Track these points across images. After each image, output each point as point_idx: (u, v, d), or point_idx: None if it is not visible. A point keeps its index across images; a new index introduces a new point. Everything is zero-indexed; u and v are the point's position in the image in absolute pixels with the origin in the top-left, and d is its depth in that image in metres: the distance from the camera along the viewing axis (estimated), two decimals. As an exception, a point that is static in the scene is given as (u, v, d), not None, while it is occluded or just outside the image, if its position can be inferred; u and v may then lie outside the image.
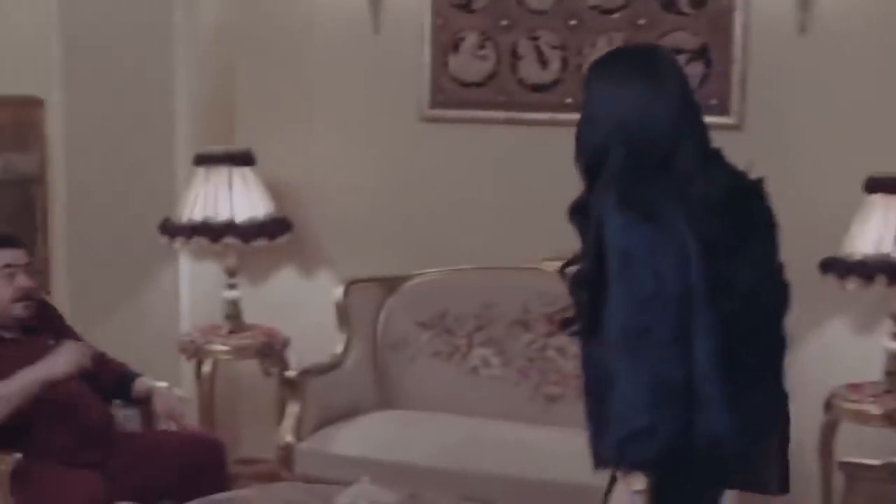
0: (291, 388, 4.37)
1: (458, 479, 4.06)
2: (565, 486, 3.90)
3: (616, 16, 4.53)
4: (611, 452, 2.47)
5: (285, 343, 4.77)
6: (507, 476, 4.06)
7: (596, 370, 2.58)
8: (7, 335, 3.76)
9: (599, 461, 2.56)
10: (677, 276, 2.43)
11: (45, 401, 3.58)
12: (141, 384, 3.93)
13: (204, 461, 3.76)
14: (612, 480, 2.56)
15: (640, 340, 2.43)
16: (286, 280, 5.10)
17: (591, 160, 2.59)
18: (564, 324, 2.79)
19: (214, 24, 5.07)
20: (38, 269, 4.95)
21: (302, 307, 4.98)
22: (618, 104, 2.54)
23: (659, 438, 2.40)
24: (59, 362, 3.60)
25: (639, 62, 2.62)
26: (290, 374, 4.39)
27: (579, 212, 2.65)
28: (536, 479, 4.04)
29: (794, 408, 2.68)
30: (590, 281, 2.56)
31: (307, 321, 4.89)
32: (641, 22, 4.49)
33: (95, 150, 4.83)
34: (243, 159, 4.68)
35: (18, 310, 3.74)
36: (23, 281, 3.73)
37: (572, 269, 2.72)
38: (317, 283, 5.05)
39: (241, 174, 4.67)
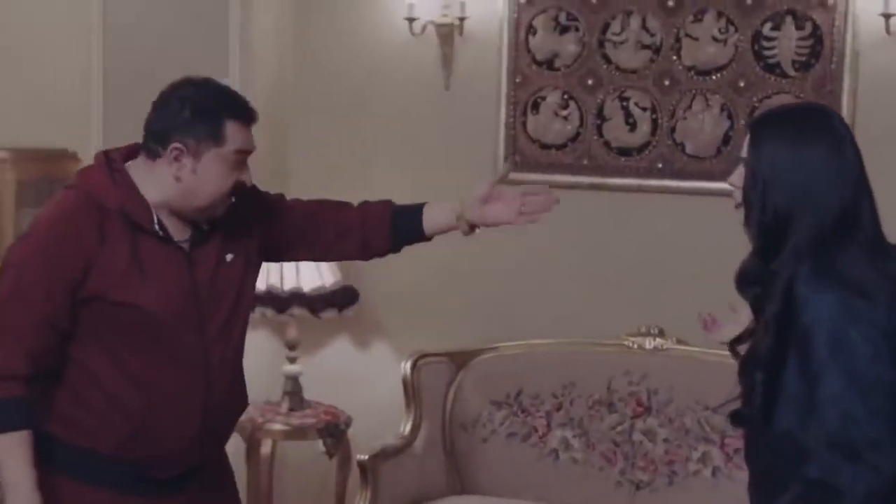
0: (362, 472, 4.01)
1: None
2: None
3: (714, 77, 4.26)
4: None
5: (348, 422, 4.42)
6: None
7: (771, 462, 2.33)
8: (165, 229, 2.61)
9: None
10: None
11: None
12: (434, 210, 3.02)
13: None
14: None
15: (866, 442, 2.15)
16: (345, 353, 4.75)
17: (771, 225, 2.32)
18: (736, 415, 2.48)
19: (272, 81, 4.77)
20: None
21: (362, 383, 4.63)
22: (801, 166, 2.30)
23: None
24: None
25: (815, 121, 2.38)
26: (362, 457, 4.03)
27: (753, 282, 2.38)
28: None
29: None
30: (767, 361, 2.28)
31: (367, 398, 4.55)
32: (741, 84, 4.23)
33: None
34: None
35: (224, 206, 2.66)
36: (248, 175, 2.66)
37: (743, 346, 2.45)
38: (378, 356, 4.71)
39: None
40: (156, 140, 2.58)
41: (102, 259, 2.50)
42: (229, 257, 2.67)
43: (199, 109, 2.55)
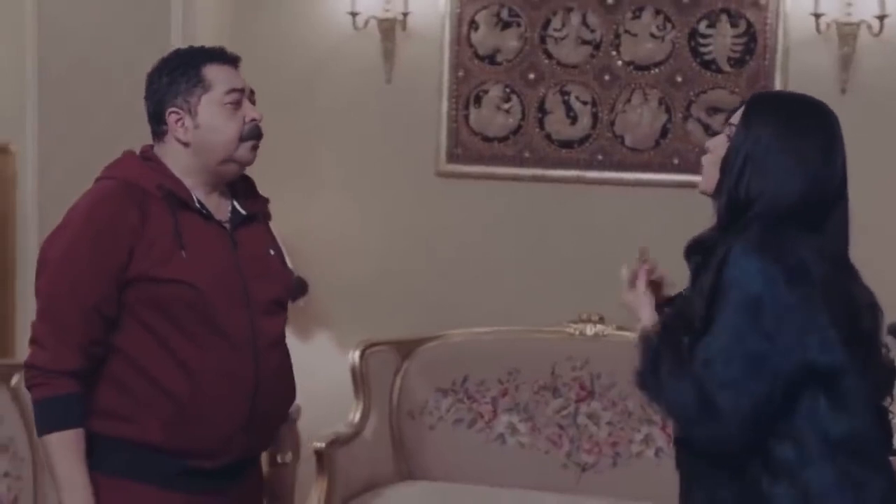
0: (319, 460, 4.06)
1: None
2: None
3: (652, 72, 4.42)
4: None
5: (298, 412, 4.45)
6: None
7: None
8: (212, 201, 2.62)
9: None
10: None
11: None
12: None
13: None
14: None
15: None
16: (292, 343, 4.76)
17: (739, 201, 2.33)
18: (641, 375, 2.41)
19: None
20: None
21: (307, 372, 4.66)
22: (786, 154, 2.31)
23: None
24: None
25: (814, 116, 2.38)
26: (319, 445, 4.07)
27: (698, 251, 2.38)
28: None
29: None
30: (696, 328, 2.27)
31: (313, 388, 4.57)
32: (679, 79, 4.39)
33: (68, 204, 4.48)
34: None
35: (245, 151, 2.61)
36: (252, 111, 2.62)
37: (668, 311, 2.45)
38: (323, 346, 4.75)
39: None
40: (156, 121, 2.59)
41: (145, 238, 2.47)
42: (272, 252, 2.71)
43: (174, 69, 2.58)
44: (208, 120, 2.56)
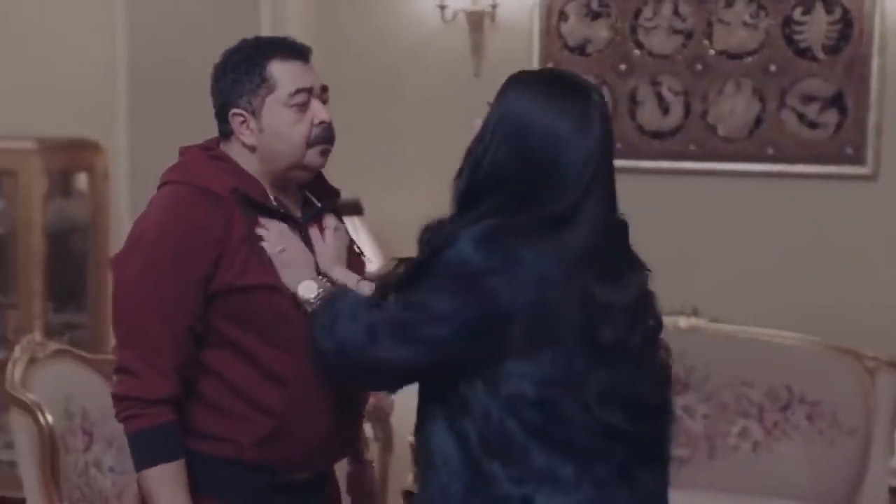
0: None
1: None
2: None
3: (745, 61, 4.36)
4: None
5: (391, 406, 4.45)
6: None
7: None
8: (283, 207, 2.43)
9: None
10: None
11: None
12: None
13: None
14: None
15: None
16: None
17: (476, 184, 2.15)
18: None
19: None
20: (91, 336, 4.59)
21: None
22: (533, 128, 2.10)
23: None
24: None
25: (570, 92, 2.15)
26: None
27: (425, 236, 2.20)
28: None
29: None
30: (395, 286, 2.15)
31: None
32: (772, 68, 4.33)
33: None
34: (353, 209, 4.37)
35: (314, 157, 2.40)
36: (321, 111, 2.40)
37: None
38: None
39: (350, 225, 4.36)
40: (221, 119, 2.40)
41: (228, 247, 2.30)
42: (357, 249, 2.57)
43: (238, 65, 2.37)
44: (273, 123, 2.36)
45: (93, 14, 4.73)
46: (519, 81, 2.17)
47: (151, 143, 4.52)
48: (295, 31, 4.76)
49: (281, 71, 2.35)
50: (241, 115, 2.36)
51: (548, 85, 2.16)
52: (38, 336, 3.35)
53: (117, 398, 2.32)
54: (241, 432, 2.35)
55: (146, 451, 2.29)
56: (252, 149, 2.38)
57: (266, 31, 4.60)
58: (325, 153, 2.41)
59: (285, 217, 2.41)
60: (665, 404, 2.21)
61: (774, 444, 4.11)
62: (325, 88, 2.43)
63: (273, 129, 2.36)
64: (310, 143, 2.37)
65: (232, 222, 2.32)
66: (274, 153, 2.38)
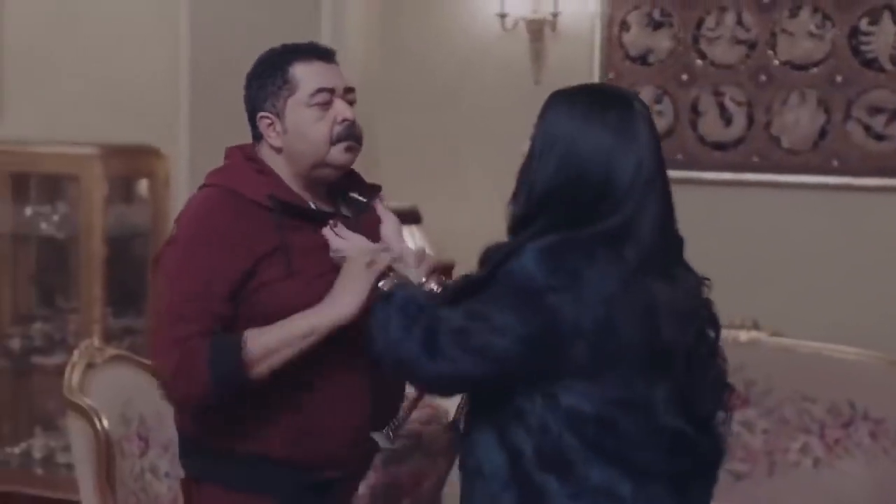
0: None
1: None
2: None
3: (811, 72, 4.31)
4: None
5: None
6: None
7: None
8: (314, 205, 2.46)
9: None
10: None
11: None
12: None
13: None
14: None
15: None
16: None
17: (533, 202, 2.14)
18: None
19: (361, 76, 4.80)
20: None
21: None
22: (581, 143, 2.10)
23: None
24: (345, 300, 2.30)
25: (611, 104, 2.14)
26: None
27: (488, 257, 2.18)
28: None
29: None
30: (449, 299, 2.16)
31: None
32: (838, 79, 4.27)
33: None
34: (411, 217, 4.37)
35: (338, 154, 2.42)
36: (344, 110, 2.41)
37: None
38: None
39: (408, 233, 4.36)
40: (252, 125, 2.46)
41: (256, 252, 2.33)
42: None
43: (262, 72, 2.42)
44: (296, 123, 2.39)
45: (155, 22, 4.76)
46: (558, 99, 2.18)
47: (211, 150, 4.48)
48: (355, 38, 4.79)
49: (303, 72, 2.39)
50: (268, 117, 2.41)
51: (587, 99, 2.16)
52: (96, 341, 3.37)
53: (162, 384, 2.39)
54: (269, 430, 2.38)
55: (223, 367, 2.27)
56: (279, 150, 2.42)
57: (326, 39, 4.62)
58: (350, 150, 2.43)
59: (315, 218, 2.42)
60: (720, 412, 2.17)
61: (836, 462, 4.03)
62: (350, 89, 2.45)
63: (296, 129, 2.40)
64: (332, 141, 2.40)
65: (264, 227, 2.35)
66: (298, 153, 2.41)
